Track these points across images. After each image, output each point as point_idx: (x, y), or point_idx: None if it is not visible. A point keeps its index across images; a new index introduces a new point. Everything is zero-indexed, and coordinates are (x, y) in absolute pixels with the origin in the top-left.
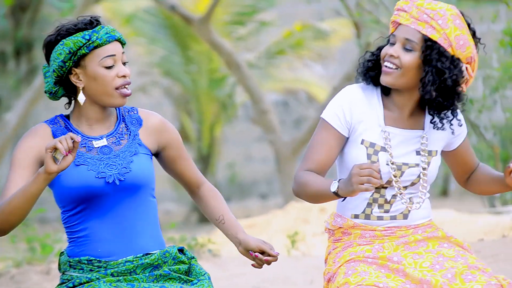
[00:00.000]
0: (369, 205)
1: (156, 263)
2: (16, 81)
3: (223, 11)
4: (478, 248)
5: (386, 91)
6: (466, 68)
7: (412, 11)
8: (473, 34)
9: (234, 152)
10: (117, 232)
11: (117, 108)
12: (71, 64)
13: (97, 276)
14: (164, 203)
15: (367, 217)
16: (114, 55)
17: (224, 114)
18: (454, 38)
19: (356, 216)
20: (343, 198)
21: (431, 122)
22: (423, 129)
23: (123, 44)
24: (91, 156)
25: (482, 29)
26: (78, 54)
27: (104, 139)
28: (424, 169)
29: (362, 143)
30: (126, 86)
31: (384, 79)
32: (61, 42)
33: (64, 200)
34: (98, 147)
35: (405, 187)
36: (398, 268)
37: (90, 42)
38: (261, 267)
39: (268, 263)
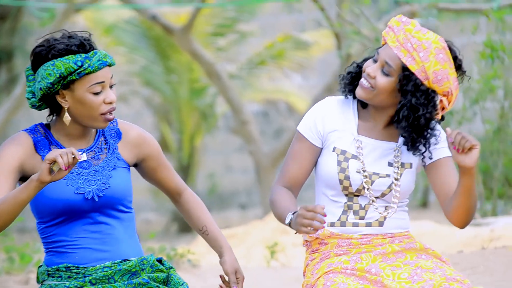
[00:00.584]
0: (344, 212)
1: (134, 269)
2: None
3: (204, 22)
4: (457, 260)
5: (363, 104)
6: (441, 100)
7: (399, 36)
8: (458, 67)
9: (214, 163)
10: (94, 241)
11: None
12: (59, 86)
13: (75, 284)
14: (144, 213)
15: (343, 224)
16: (103, 82)
17: (204, 124)
18: (432, 73)
19: (332, 224)
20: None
21: (404, 144)
22: (397, 142)
23: (112, 65)
24: (70, 170)
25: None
26: (68, 79)
27: (84, 154)
28: (396, 179)
29: (333, 150)
30: (112, 112)
31: (358, 93)
32: (51, 62)
33: (42, 212)
34: (77, 162)
35: (376, 198)
36: (376, 279)
37: (81, 69)
38: None
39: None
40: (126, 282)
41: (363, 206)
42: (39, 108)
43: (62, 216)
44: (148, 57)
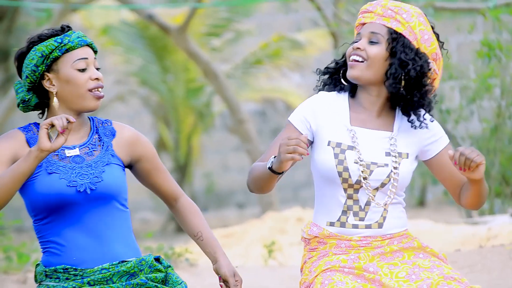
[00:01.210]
0: (344, 212)
1: (133, 271)
2: None
3: (200, 22)
4: (455, 259)
5: (353, 94)
6: (431, 64)
7: (377, 9)
8: (437, 37)
9: (211, 162)
10: (91, 240)
11: (91, 120)
12: (43, 68)
13: (73, 285)
14: (141, 212)
15: (343, 225)
16: (86, 58)
17: (201, 123)
18: (419, 32)
19: (332, 224)
20: (280, 175)
21: (408, 121)
22: (392, 131)
23: (94, 51)
24: (63, 164)
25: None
26: (51, 57)
27: (77, 149)
28: (395, 168)
29: (328, 144)
30: (99, 89)
31: (351, 73)
32: (33, 49)
33: (36, 208)
34: (70, 156)
35: (376, 190)
36: (374, 278)
37: (62, 45)
38: None
39: None
40: (124, 283)
41: (363, 207)
42: (29, 104)
43: (55, 212)
44: (144, 57)
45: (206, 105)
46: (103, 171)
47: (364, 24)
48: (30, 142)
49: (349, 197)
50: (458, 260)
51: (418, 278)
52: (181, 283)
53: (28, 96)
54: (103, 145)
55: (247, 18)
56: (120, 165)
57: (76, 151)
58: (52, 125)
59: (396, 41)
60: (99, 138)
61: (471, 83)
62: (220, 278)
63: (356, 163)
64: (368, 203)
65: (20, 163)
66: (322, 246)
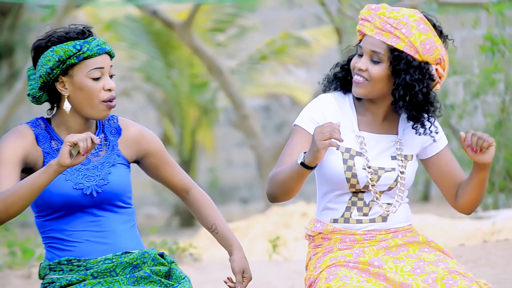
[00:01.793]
0: (348, 208)
1: (136, 262)
2: None
3: (204, 18)
4: (459, 253)
5: (359, 98)
6: (436, 69)
7: (375, 22)
8: (440, 33)
9: (216, 157)
10: (94, 234)
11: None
12: (58, 72)
13: (77, 278)
14: (146, 208)
15: (346, 220)
16: (102, 67)
17: (205, 119)
18: (420, 44)
19: (335, 221)
20: (311, 170)
21: (413, 128)
22: (397, 134)
23: (112, 57)
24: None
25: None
26: (67, 63)
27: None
28: (402, 173)
29: (337, 148)
30: (112, 100)
31: (356, 91)
32: (51, 49)
33: (40, 206)
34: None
35: (382, 192)
36: (379, 272)
37: (80, 52)
38: None
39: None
40: (128, 276)
41: (367, 203)
42: (39, 100)
43: (60, 211)
44: (149, 53)
45: (210, 100)
46: (109, 173)
47: (364, 34)
48: (38, 139)
49: (354, 195)
50: (463, 255)
51: (423, 272)
52: (184, 277)
53: (39, 94)
54: (108, 145)
55: (252, 13)
56: (125, 164)
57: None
58: (75, 144)
59: (398, 59)
60: (105, 137)
61: (475, 78)
62: (229, 279)
63: (364, 169)
64: (373, 200)
65: (38, 176)
66: (327, 242)
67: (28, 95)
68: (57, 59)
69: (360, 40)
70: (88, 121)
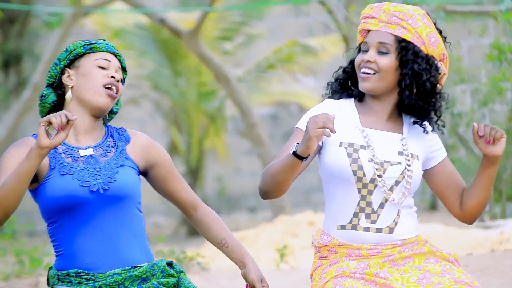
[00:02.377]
0: (355, 214)
1: (145, 275)
2: (5, 94)
3: (212, 26)
4: (467, 262)
5: (360, 98)
6: (440, 65)
7: (381, 16)
8: (440, 33)
9: (223, 165)
10: (104, 244)
11: (105, 126)
12: (65, 63)
13: None
14: (153, 216)
15: (354, 227)
16: (109, 61)
17: (213, 127)
18: (426, 36)
19: (343, 227)
20: (304, 159)
21: (421, 126)
22: (402, 133)
23: (123, 67)
24: (76, 166)
25: (470, 43)
26: (74, 53)
27: (91, 149)
28: (409, 166)
29: (340, 145)
30: (113, 87)
31: (364, 86)
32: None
33: (49, 210)
34: (84, 156)
35: (391, 190)
36: (385, 283)
37: (87, 44)
38: None
39: None
40: None
41: (375, 210)
42: (45, 101)
43: (69, 213)
44: (156, 61)
45: (218, 109)
46: (117, 172)
47: (369, 30)
48: None
49: (363, 198)
50: (470, 264)
51: (429, 283)
52: None
53: (46, 92)
54: (117, 148)
55: (259, 21)
56: (134, 168)
57: (90, 151)
58: (50, 123)
59: (406, 49)
60: (113, 141)
61: (482, 87)
62: (247, 285)
63: (370, 161)
64: (381, 206)
65: (22, 163)
66: (333, 255)
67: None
68: (64, 50)
69: (361, 42)
70: (95, 122)
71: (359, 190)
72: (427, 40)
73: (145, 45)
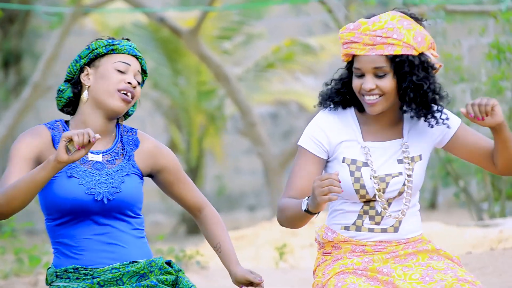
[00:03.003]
0: (359, 217)
1: (142, 271)
2: (5, 93)
3: (211, 25)
4: (466, 261)
5: (360, 109)
6: (432, 54)
7: (364, 40)
8: (416, 20)
9: (223, 164)
10: (102, 242)
11: (117, 127)
12: (85, 61)
13: (83, 286)
14: (152, 215)
15: (358, 228)
16: (129, 64)
17: (212, 126)
18: (413, 41)
19: (347, 228)
20: (316, 215)
21: (425, 121)
22: (402, 137)
23: (144, 70)
24: (84, 169)
25: (470, 42)
26: (95, 52)
27: (100, 155)
28: (409, 176)
29: (343, 161)
30: (129, 93)
31: (373, 110)
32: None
33: (51, 208)
34: (92, 161)
35: (391, 200)
36: (387, 280)
37: (110, 44)
38: None
39: None
40: (134, 285)
41: (379, 212)
42: (62, 96)
43: (69, 215)
44: (156, 60)
45: (217, 108)
46: (123, 182)
47: (353, 56)
48: (55, 141)
49: (366, 204)
50: (469, 263)
51: (432, 280)
52: (191, 286)
53: (64, 87)
54: (125, 155)
55: (258, 21)
56: (139, 175)
57: (99, 157)
58: (71, 139)
59: (401, 64)
60: (122, 147)
61: (482, 86)
62: (241, 287)
63: (371, 179)
64: (385, 209)
65: (37, 172)
66: (337, 251)
67: (58, 91)
68: (86, 48)
69: (349, 62)
70: (109, 123)
71: (362, 202)
72: (415, 44)
73: (145, 44)
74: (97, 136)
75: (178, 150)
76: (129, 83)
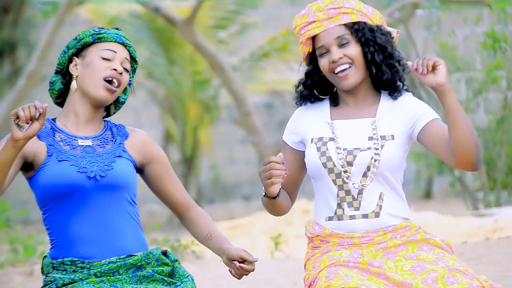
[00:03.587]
0: (338, 205)
1: (139, 263)
2: None
3: (206, 15)
4: (461, 251)
5: (335, 97)
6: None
7: (319, 17)
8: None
9: (218, 154)
10: (99, 233)
11: (105, 121)
12: (73, 51)
13: (80, 277)
14: (148, 205)
15: (340, 217)
16: (115, 52)
17: (207, 116)
18: (365, 9)
19: (330, 218)
20: (276, 198)
21: (389, 94)
22: (375, 116)
23: (133, 58)
24: (74, 153)
25: (465, 31)
26: (82, 41)
27: (90, 140)
28: (376, 149)
29: (312, 141)
30: (114, 80)
31: (345, 84)
32: None
33: (45, 197)
34: (82, 146)
35: (365, 176)
36: (379, 271)
37: (96, 33)
38: (240, 278)
39: (247, 272)
40: (130, 275)
41: (355, 197)
42: (53, 88)
43: (65, 200)
44: (151, 49)
45: (212, 97)
46: (114, 161)
47: (314, 36)
48: (40, 136)
49: (340, 188)
50: (465, 252)
51: (423, 271)
52: (187, 276)
53: (55, 79)
54: (115, 141)
55: (254, 10)
56: (130, 160)
57: (88, 142)
58: (18, 115)
59: (360, 30)
60: (112, 134)
61: (477, 75)
62: (234, 263)
63: (339, 152)
64: (360, 192)
65: (1, 153)
66: (325, 245)
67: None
68: (74, 39)
69: (309, 52)
70: (96, 113)
71: (334, 182)
72: (368, 13)
73: (140, 33)
74: (45, 105)
75: (173, 140)
76: (114, 69)
